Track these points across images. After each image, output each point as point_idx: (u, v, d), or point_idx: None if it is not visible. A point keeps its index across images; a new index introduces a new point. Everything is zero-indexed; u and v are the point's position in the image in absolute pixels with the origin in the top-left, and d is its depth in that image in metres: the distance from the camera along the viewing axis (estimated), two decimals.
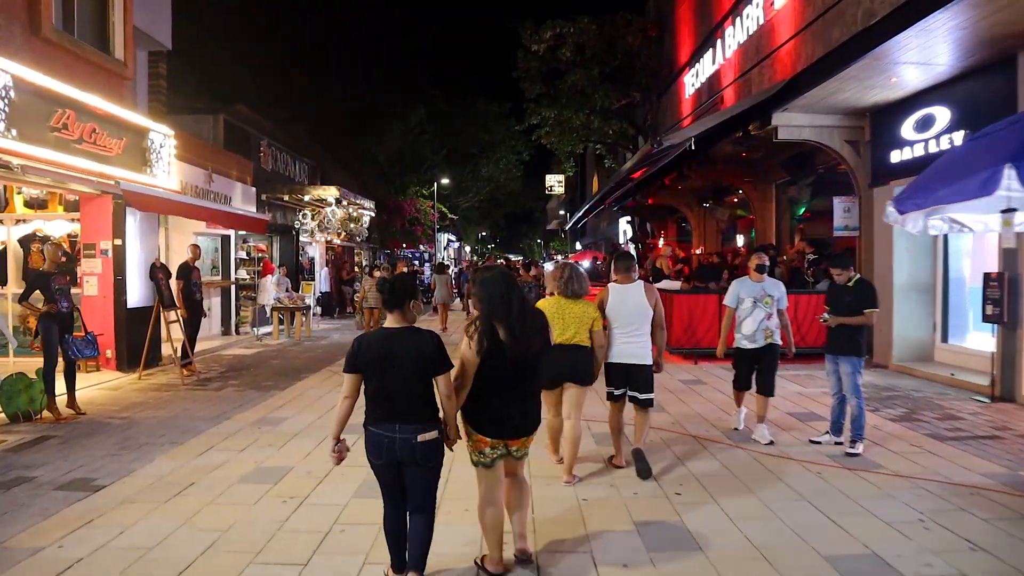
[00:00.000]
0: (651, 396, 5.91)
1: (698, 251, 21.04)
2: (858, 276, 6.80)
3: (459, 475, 5.66)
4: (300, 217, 19.24)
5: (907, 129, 10.82)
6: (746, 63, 17.06)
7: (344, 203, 19.62)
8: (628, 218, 29.18)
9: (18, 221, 11.82)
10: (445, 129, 34.71)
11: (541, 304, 5.63)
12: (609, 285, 5.97)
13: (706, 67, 20.16)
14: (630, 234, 28.72)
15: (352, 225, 21.07)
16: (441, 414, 3.79)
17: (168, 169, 11.99)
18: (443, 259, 38.47)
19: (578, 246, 52.40)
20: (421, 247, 33.03)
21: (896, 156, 11.10)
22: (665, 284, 13.23)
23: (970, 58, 9.15)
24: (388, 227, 28.80)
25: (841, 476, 5.91)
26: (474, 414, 3.91)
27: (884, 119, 11.37)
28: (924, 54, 9.06)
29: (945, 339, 11.17)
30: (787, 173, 14.71)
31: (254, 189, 17.13)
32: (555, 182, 56.00)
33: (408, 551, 3.79)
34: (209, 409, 8.64)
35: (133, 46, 11.56)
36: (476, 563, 4.15)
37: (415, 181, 33.01)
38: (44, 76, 8.88)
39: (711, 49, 19.64)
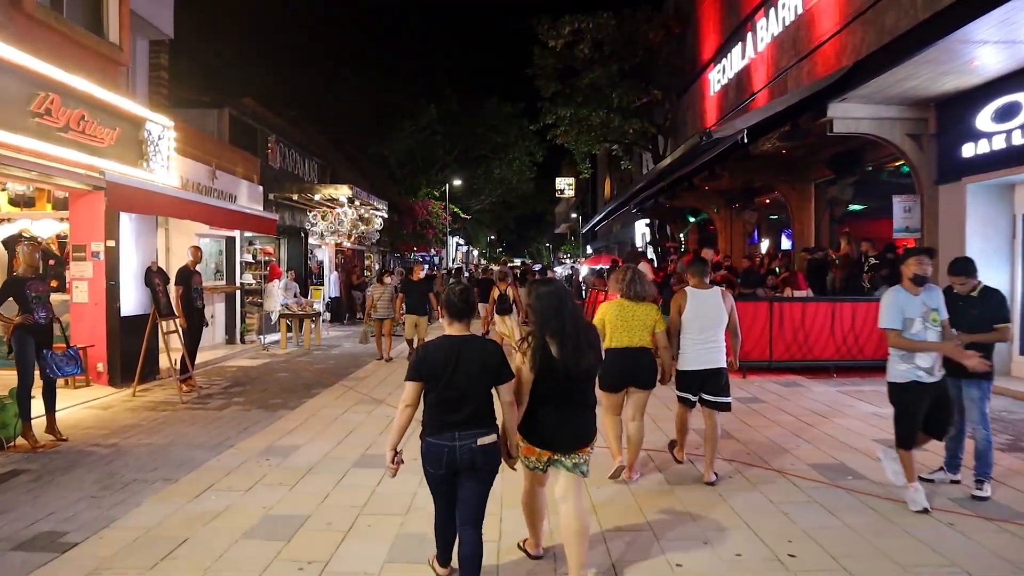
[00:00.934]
0: (729, 400, 5.85)
1: (720, 257, 19.88)
2: (982, 284, 5.63)
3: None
4: (311, 218, 18.09)
5: (984, 120, 9.67)
6: (782, 56, 15.94)
7: (357, 203, 18.48)
8: (647, 221, 28.02)
9: (2, 220, 10.72)
10: (457, 129, 33.56)
11: (604, 307, 5.73)
12: (687, 289, 5.85)
13: (734, 62, 19.04)
14: (648, 237, 27.57)
15: (363, 227, 19.95)
16: (500, 424, 3.77)
17: (167, 164, 10.86)
18: (457, 264, 37.42)
19: (589, 250, 51.20)
20: (432, 251, 31.94)
21: (970, 150, 9.94)
22: None
23: None
24: (399, 230, 27.69)
25: (981, 529, 4.76)
26: (523, 424, 3.85)
27: (954, 109, 10.23)
28: (1014, 31, 7.94)
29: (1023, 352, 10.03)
30: (832, 171, 13.57)
31: (261, 188, 16.01)
32: (565, 185, 54.92)
33: (460, 569, 3.70)
34: (209, 434, 7.50)
35: (130, 30, 10.45)
36: (519, 546, 4.42)
37: (426, 182, 31.84)
38: (21, 53, 7.76)
39: (740, 43, 18.53)
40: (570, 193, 55.66)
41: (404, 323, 13.33)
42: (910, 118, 10.89)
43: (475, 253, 56.84)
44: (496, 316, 14.39)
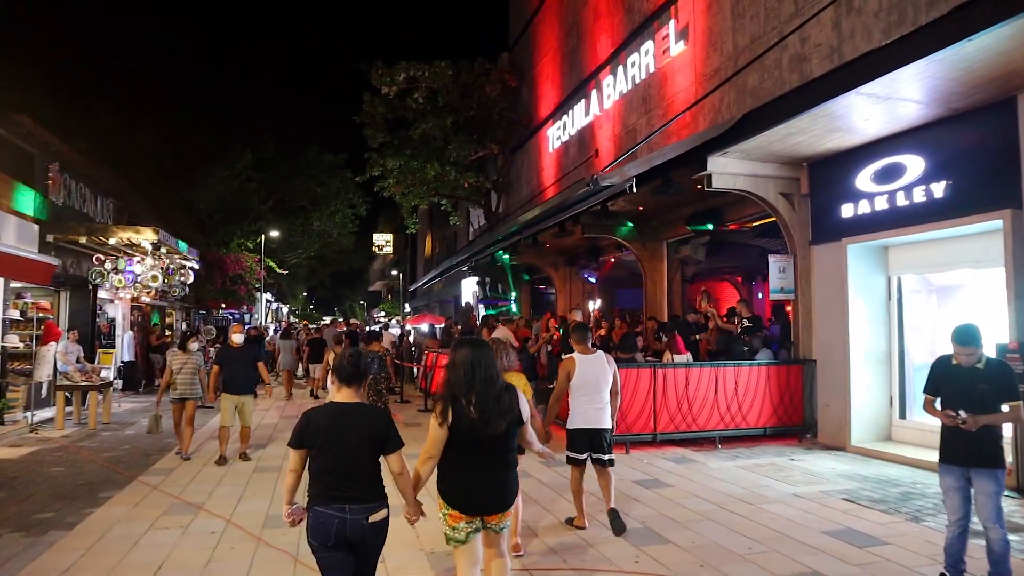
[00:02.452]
0: (613, 456, 6.19)
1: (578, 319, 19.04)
2: (985, 356, 4.74)
3: None
4: (101, 268, 14.97)
5: (864, 180, 9.39)
6: (631, 113, 15.61)
7: (164, 250, 15.62)
8: (477, 279, 26.96)
9: None
10: (274, 177, 30.76)
11: None
12: (574, 356, 6.06)
13: (577, 119, 18.63)
14: (480, 295, 26.46)
15: (166, 280, 17.01)
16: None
17: None
18: (261, 323, 34.11)
19: (407, 308, 49.34)
20: (244, 308, 28.68)
21: (849, 210, 9.63)
22: None
23: (962, 100, 7.82)
24: (206, 284, 24.52)
25: None
26: (445, 488, 3.75)
27: (830, 170, 9.94)
28: (923, 92, 7.61)
29: (903, 415, 9.70)
30: (691, 229, 13.11)
31: (37, 226, 12.97)
32: (383, 241, 53.07)
33: None
34: None
35: None
36: None
37: (239, 233, 28.71)
38: None
39: (584, 100, 18.16)
40: (388, 250, 53.83)
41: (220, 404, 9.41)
42: (783, 177, 10.53)
43: (284, 311, 53.06)
44: (330, 381, 12.63)
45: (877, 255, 9.79)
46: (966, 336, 4.61)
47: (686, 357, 10.41)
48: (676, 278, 15.26)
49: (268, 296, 41.34)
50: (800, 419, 10.26)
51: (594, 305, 20.93)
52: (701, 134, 9.72)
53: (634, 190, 9.16)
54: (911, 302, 9.77)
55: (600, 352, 6.14)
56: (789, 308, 11.91)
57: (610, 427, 6.10)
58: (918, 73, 7.11)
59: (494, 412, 3.69)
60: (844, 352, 9.66)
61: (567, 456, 6.15)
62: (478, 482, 3.72)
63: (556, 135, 20.26)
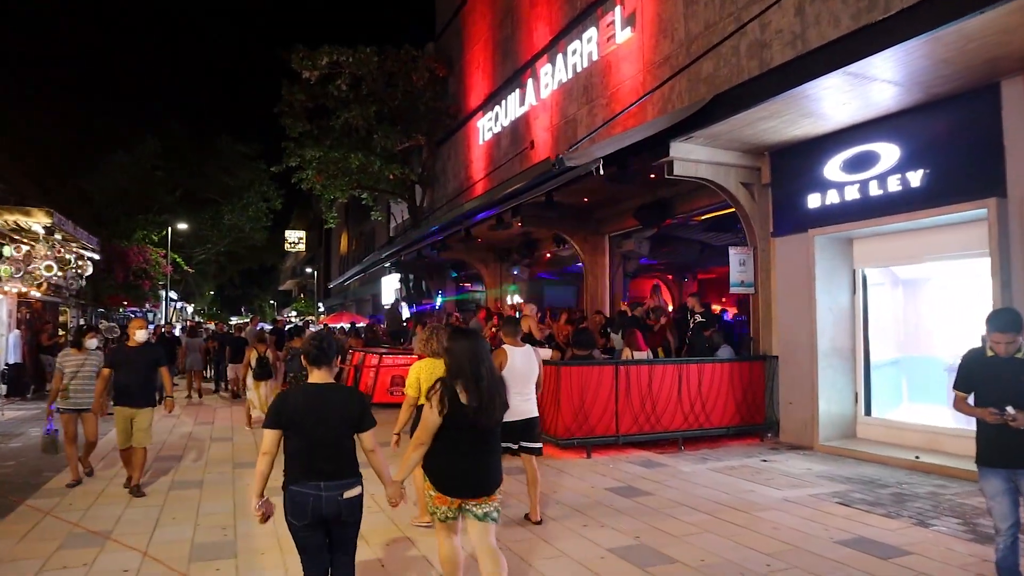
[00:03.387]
0: (540, 445, 6.21)
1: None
2: None
3: None
4: None
5: (833, 169, 8.97)
6: (571, 103, 14.96)
7: (58, 237, 13.86)
8: (400, 275, 25.81)
9: None
10: (182, 168, 28.54)
11: (417, 367, 5.64)
12: (504, 347, 6.05)
13: (511, 110, 17.86)
14: (404, 293, 25.30)
15: (61, 272, 15.20)
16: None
17: None
18: (167, 322, 31.69)
19: (321, 307, 47.38)
20: (148, 305, 26.43)
21: (815, 200, 9.20)
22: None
23: (943, 85, 7.46)
24: (106, 279, 22.40)
25: None
26: (435, 472, 3.82)
27: (796, 159, 9.49)
28: (900, 72, 7.19)
29: (868, 411, 9.34)
30: (640, 222, 12.54)
31: None
32: (296, 238, 50.89)
33: None
34: None
35: None
36: None
37: (143, 224, 26.39)
38: None
39: (518, 90, 17.40)
40: (301, 247, 51.62)
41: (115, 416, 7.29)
42: (745, 166, 10.04)
43: (189, 310, 50.03)
44: (251, 381, 11.52)
45: (842, 247, 9.40)
46: (1007, 322, 4.03)
47: (646, 354, 9.76)
48: (619, 273, 14.68)
49: (172, 294, 38.78)
50: (762, 418, 9.78)
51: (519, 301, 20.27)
52: (668, 116, 9.10)
53: (601, 172, 8.43)
54: (876, 296, 9.43)
55: (528, 345, 6.26)
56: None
57: (537, 415, 6.16)
58: (908, 52, 6.66)
59: (496, 403, 3.78)
60: (810, 348, 9.22)
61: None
62: (468, 468, 3.77)
63: (487, 126, 19.43)
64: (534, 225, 14.43)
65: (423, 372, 5.57)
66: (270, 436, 3.51)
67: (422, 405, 4.08)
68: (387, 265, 24.27)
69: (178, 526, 6.04)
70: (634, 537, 5.62)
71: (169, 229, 27.46)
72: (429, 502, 3.88)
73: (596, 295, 14.61)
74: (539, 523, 5.93)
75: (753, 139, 9.35)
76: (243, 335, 16.16)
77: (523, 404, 5.96)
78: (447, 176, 22.96)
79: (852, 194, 8.70)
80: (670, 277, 18.09)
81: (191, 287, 37.97)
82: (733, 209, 11.49)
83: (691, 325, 10.81)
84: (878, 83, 7.41)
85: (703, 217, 12.36)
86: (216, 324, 19.28)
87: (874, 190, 8.44)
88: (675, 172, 9.57)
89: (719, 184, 9.92)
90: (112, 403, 7.32)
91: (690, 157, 9.59)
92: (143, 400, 7.22)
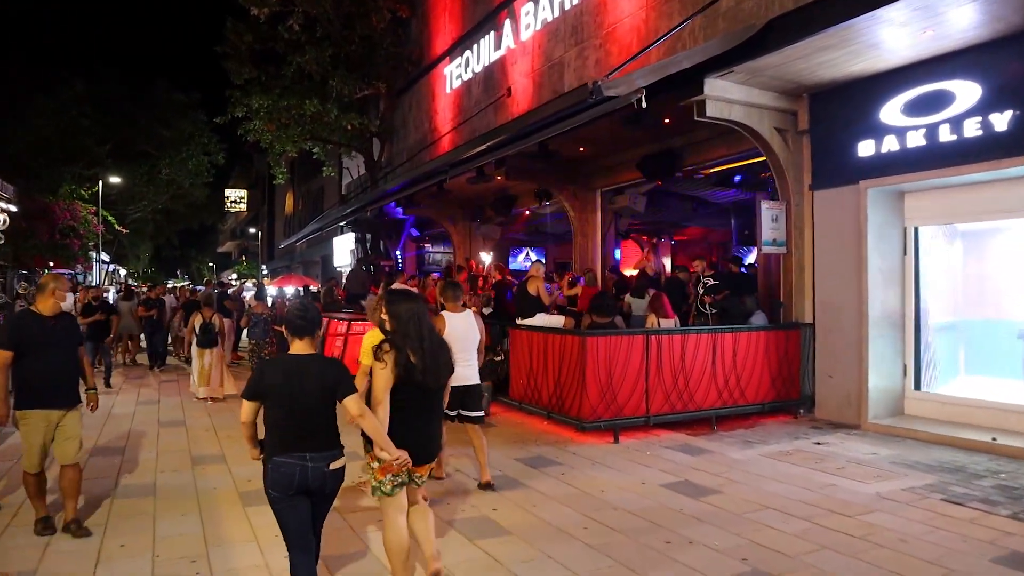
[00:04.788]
0: (481, 412, 6.05)
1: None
2: None
3: None
4: None
5: (892, 112, 7.74)
6: (556, 45, 13.40)
7: None
8: (355, 235, 23.93)
9: None
10: (114, 117, 25.66)
11: (370, 335, 5.29)
12: (443, 313, 5.86)
13: (484, 54, 16.17)
14: (360, 254, 23.45)
15: None
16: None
17: None
18: (101, 285, 28.98)
19: (264, 270, 44.77)
20: (78, 267, 23.85)
21: (867, 148, 7.98)
22: (541, 320, 8.69)
23: None
24: (28, 237, 19.93)
25: None
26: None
27: (845, 101, 8.21)
28: None
29: (917, 385, 8.29)
30: (644, 174, 11.17)
31: None
32: (237, 197, 47.94)
33: None
34: None
35: None
36: None
37: (70, 178, 23.57)
38: None
39: (493, 32, 15.72)
40: (242, 207, 48.63)
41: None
42: (781, 109, 8.75)
43: (123, 273, 46.72)
44: (195, 349, 10.53)
45: (894, 202, 8.24)
46: None
47: (674, 322, 8.49)
48: (610, 232, 13.36)
49: (104, 256, 35.88)
50: (797, 393, 8.65)
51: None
52: (707, 47, 7.66)
53: (643, 105, 7.00)
54: (929, 254, 8.31)
55: (468, 311, 6.08)
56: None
57: (479, 383, 6.03)
58: None
59: (441, 365, 3.79)
60: (858, 314, 8.08)
61: None
62: (417, 435, 3.69)
63: (456, 73, 17.66)
64: (519, 178, 12.96)
65: (377, 340, 4.80)
66: (247, 406, 3.44)
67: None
68: (344, 224, 22.42)
69: (129, 560, 4.42)
70: (740, 560, 4.34)
71: (100, 184, 24.73)
72: (370, 477, 3.71)
73: (587, 256, 13.28)
74: (490, 486, 5.79)
75: (797, 77, 8.05)
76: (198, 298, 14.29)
77: (464, 370, 5.65)
78: (408, 128, 21.13)
79: (916, 140, 7.50)
80: (644, 238, 16.91)
81: (125, 248, 35.03)
82: (749, 161, 10.28)
83: (700, 289, 9.59)
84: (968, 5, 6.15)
85: (713, 170, 11.10)
86: (151, 288, 16.67)
87: (945, 135, 7.24)
88: (707, 113, 8.21)
89: (752, 129, 8.61)
90: (17, 406, 4.80)
91: (725, 96, 8.25)
92: (71, 396, 4.95)
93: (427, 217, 19.06)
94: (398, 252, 22.60)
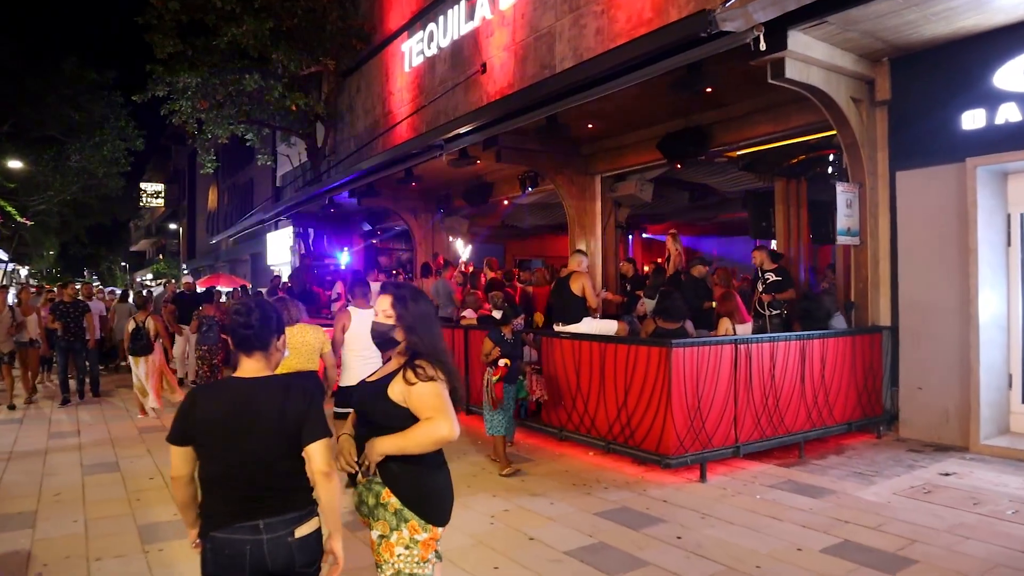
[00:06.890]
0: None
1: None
2: None
3: None
4: None
5: (1007, 76, 6.42)
6: (545, 14, 11.72)
7: None
8: (296, 230, 21.55)
9: None
10: (13, 96, 22.17)
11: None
12: (349, 309, 5.74)
13: (452, 26, 14.30)
14: (302, 250, 21.09)
15: None
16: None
17: None
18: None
19: (184, 269, 41.15)
20: None
21: (975, 120, 6.63)
22: (589, 326, 6.95)
23: None
24: None
25: None
26: (431, 493, 2.51)
27: (941, 65, 6.85)
28: None
29: None
30: (665, 155, 9.59)
31: None
32: (153, 191, 44.07)
33: None
34: None
35: None
36: None
37: None
38: None
39: (465, 1, 13.89)
40: (159, 202, 44.72)
41: None
42: (858, 75, 7.33)
43: (24, 273, 42.12)
44: (130, 357, 9.32)
45: (998, 185, 6.94)
46: None
47: (749, 327, 6.94)
48: (610, 223, 11.76)
49: (2, 254, 31.94)
50: (880, 408, 7.26)
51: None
52: None
53: (762, 47, 5.41)
54: None
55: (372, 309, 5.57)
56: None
57: None
58: None
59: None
60: (961, 316, 6.72)
61: (334, 412, 5.48)
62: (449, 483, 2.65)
63: (417, 49, 15.69)
64: (511, 160, 11.18)
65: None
66: (176, 455, 2.31)
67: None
68: (284, 217, 20.07)
69: None
70: None
71: None
72: (412, 555, 2.42)
73: (586, 250, 11.62)
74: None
75: (895, 33, 6.63)
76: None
77: (364, 368, 5.17)
78: (355, 113, 18.99)
79: None
80: (668, 226, 15.45)
81: (27, 244, 31.18)
82: (789, 141, 8.91)
83: (760, 287, 8.11)
84: None
85: (744, 152, 9.67)
86: (58, 288, 13.20)
87: None
88: (787, 75, 6.67)
89: (829, 97, 7.12)
90: None
91: (808, 54, 6.73)
92: None
93: (382, 208, 16.98)
94: (345, 249, 20.40)
